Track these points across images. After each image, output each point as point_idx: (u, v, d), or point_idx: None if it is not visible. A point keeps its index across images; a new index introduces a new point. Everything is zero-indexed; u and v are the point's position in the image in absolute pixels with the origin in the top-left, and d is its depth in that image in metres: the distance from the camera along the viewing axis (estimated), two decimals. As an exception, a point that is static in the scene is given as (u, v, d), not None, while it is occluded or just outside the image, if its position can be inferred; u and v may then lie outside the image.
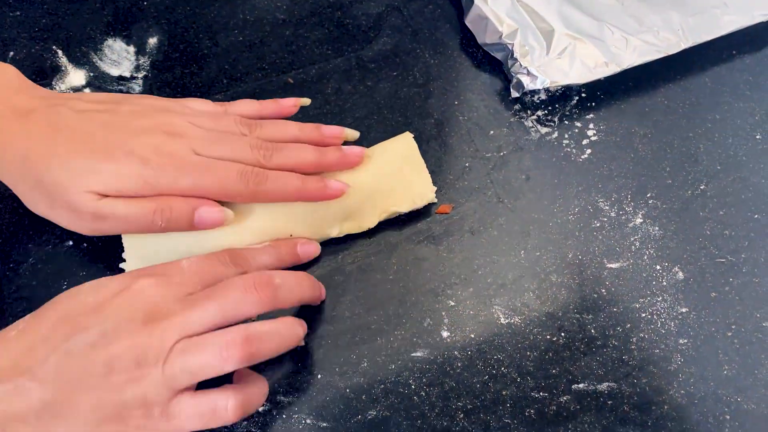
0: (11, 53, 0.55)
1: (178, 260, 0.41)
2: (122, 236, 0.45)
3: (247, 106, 0.48)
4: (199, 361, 0.36)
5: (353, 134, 0.49)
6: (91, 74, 0.54)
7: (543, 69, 0.52)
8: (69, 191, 0.40)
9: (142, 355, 0.35)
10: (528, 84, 0.52)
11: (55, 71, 0.54)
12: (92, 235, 0.43)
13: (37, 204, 0.42)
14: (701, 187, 0.51)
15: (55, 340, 0.36)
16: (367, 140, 0.52)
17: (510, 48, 0.53)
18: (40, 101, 0.42)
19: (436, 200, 0.49)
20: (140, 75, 0.55)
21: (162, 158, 0.41)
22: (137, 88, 0.54)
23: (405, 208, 0.48)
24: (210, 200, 0.42)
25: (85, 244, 0.47)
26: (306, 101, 0.49)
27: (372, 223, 0.48)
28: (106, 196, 0.40)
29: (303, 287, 0.42)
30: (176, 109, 0.45)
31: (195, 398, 0.37)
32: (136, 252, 0.45)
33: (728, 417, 0.43)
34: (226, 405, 0.37)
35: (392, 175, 0.48)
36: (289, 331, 0.40)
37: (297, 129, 0.46)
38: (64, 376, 0.35)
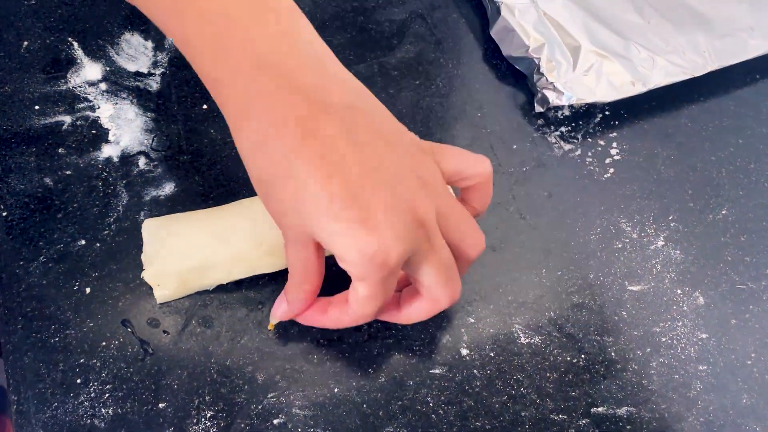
0: (25, 43, 0.53)
1: None
2: (143, 234, 0.45)
3: None
4: None
5: None
6: (108, 68, 0.53)
7: (569, 85, 0.52)
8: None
9: None
10: (553, 99, 0.52)
11: (71, 64, 0.53)
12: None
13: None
14: (723, 212, 0.51)
15: None
16: (388, 149, 0.51)
17: (537, 62, 0.52)
18: (331, 114, 0.36)
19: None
20: (158, 72, 0.53)
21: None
22: (154, 85, 0.53)
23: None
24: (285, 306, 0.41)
25: (98, 244, 0.46)
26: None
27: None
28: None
29: None
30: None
31: None
32: (153, 254, 0.44)
33: (747, 447, 0.43)
34: None
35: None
36: None
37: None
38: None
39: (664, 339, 0.46)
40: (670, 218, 0.50)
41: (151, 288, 0.44)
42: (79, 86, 0.52)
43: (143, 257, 0.44)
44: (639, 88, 0.52)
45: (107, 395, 0.41)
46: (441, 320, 0.45)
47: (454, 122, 0.53)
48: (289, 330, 0.44)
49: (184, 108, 0.52)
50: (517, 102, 0.55)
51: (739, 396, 0.45)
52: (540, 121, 0.54)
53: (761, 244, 0.50)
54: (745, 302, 0.48)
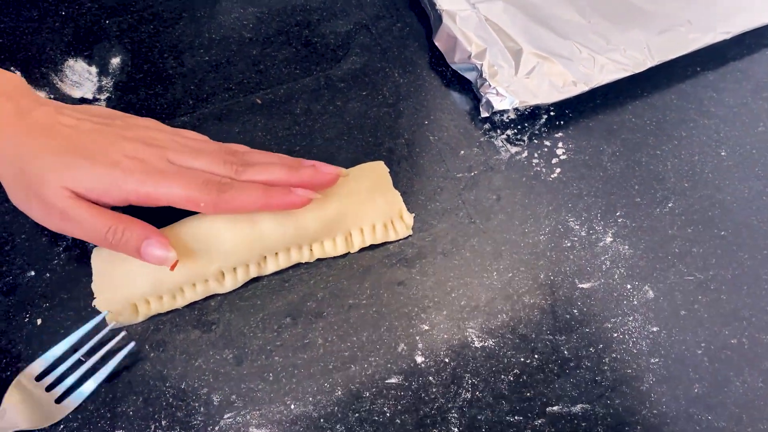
0: (-33, 75, 0.53)
1: None
2: (93, 262, 0.45)
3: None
4: None
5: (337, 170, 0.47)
6: (52, 96, 0.53)
7: (512, 89, 0.52)
8: (44, 184, 0.41)
9: None
10: (497, 104, 0.52)
11: (14, 93, 0.52)
12: (59, 232, 0.44)
13: (15, 193, 0.43)
14: (669, 205, 0.52)
15: None
16: (337, 161, 0.51)
17: (479, 68, 0.53)
18: (42, 106, 0.44)
19: (411, 233, 0.49)
20: (103, 97, 0.53)
21: (132, 163, 0.42)
22: (100, 111, 0.52)
23: (380, 240, 0.48)
24: (163, 237, 0.42)
25: (47, 275, 0.46)
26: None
27: (344, 249, 0.47)
28: (79, 197, 0.41)
29: None
30: (167, 129, 0.46)
31: None
32: (103, 282, 0.44)
33: (700, 435, 0.44)
34: None
35: (367, 202, 0.47)
36: None
37: (278, 159, 0.46)
38: None
39: (615, 334, 0.47)
40: (618, 214, 0.51)
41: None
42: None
43: (93, 286, 0.44)
44: (581, 88, 0.53)
45: (62, 426, 0.41)
46: (396, 329, 0.46)
47: (402, 131, 0.54)
48: (244, 349, 0.44)
49: (130, 132, 0.51)
50: (463, 108, 0.55)
51: (691, 386, 0.45)
52: (486, 126, 0.54)
53: (707, 234, 0.51)
54: (693, 293, 0.49)
